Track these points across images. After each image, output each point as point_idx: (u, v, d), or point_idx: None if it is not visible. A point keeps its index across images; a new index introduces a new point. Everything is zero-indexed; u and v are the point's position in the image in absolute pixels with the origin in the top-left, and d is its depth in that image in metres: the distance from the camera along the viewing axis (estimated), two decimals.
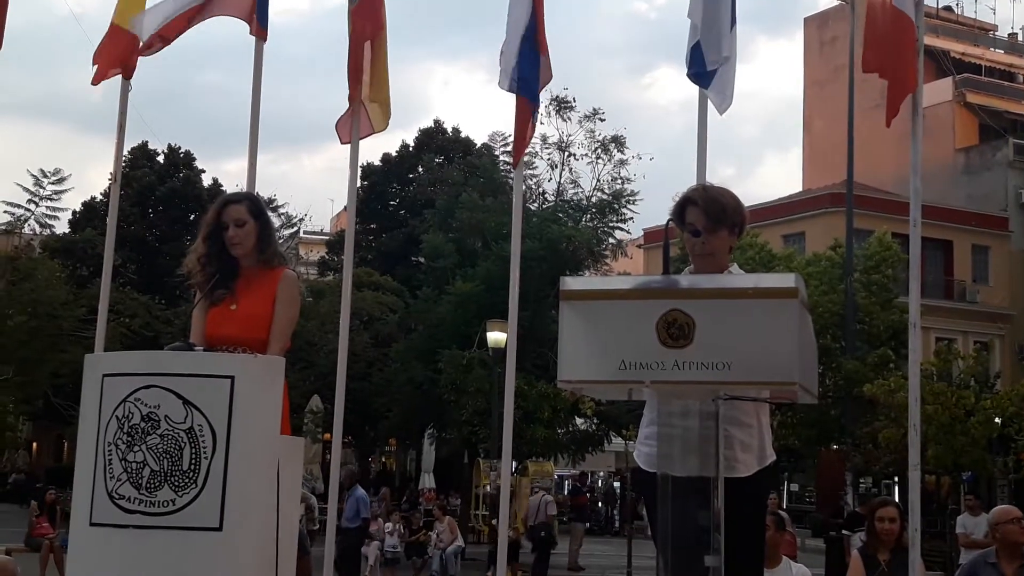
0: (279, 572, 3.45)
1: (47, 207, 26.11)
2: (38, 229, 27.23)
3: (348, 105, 6.27)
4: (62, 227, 32.75)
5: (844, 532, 16.05)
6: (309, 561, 10.08)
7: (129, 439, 3.32)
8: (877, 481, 32.09)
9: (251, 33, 6.48)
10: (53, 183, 25.55)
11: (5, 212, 26.02)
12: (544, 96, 26.06)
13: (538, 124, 26.35)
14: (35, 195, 25.51)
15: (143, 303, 24.70)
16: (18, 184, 25.95)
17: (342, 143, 6.41)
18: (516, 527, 19.63)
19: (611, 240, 27.24)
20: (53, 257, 26.70)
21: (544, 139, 26.55)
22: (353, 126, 6.31)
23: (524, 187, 23.64)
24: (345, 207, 6.79)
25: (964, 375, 23.56)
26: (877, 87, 5.31)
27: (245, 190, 6.09)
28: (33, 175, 25.58)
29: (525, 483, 24.04)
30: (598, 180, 26.62)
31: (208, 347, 3.98)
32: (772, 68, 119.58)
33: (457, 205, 25.75)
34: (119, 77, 6.41)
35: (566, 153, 26.60)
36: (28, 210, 25.66)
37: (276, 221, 34.30)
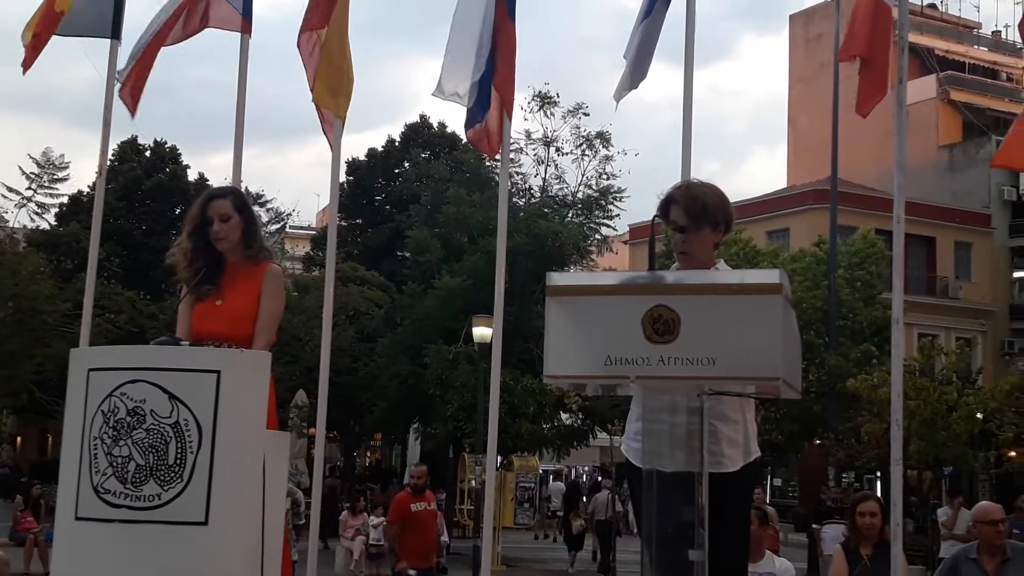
0: (264, 566, 3.46)
1: (46, 193, 26.13)
2: (32, 219, 27.22)
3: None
4: (48, 219, 32.64)
5: (814, 526, 16.20)
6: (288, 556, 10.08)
7: (115, 433, 3.31)
8: (860, 476, 32.24)
9: (236, 29, 6.51)
10: (54, 169, 25.58)
11: (3, 196, 26.07)
12: (527, 92, 25.87)
13: (523, 119, 26.37)
14: (35, 180, 25.47)
15: (128, 299, 24.59)
16: (20, 168, 26.01)
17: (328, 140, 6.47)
18: (584, 518, 20.24)
19: (597, 236, 27.26)
20: (38, 250, 26.56)
21: (528, 135, 26.56)
22: (334, 123, 6.36)
23: (510, 183, 23.65)
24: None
25: (947, 371, 23.68)
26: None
27: (230, 184, 6.09)
28: (35, 159, 25.60)
29: (510, 478, 24.08)
30: (584, 176, 26.64)
31: (194, 342, 3.98)
32: (758, 65, 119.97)
33: (443, 200, 25.72)
34: (106, 74, 6.46)
35: (551, 148, 26.61)
36: (26, 197, 25.62)
37: (264, 217, 34.27)
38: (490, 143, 6.23)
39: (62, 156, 26.22)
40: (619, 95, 6.05)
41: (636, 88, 5.99)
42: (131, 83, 6.35)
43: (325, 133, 6.45)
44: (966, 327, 37.85)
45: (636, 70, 5.94)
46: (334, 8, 6.14)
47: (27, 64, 6.49)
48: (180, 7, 6.30)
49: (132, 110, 6.39)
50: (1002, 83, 45.98)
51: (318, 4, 6.22)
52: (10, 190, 26.12)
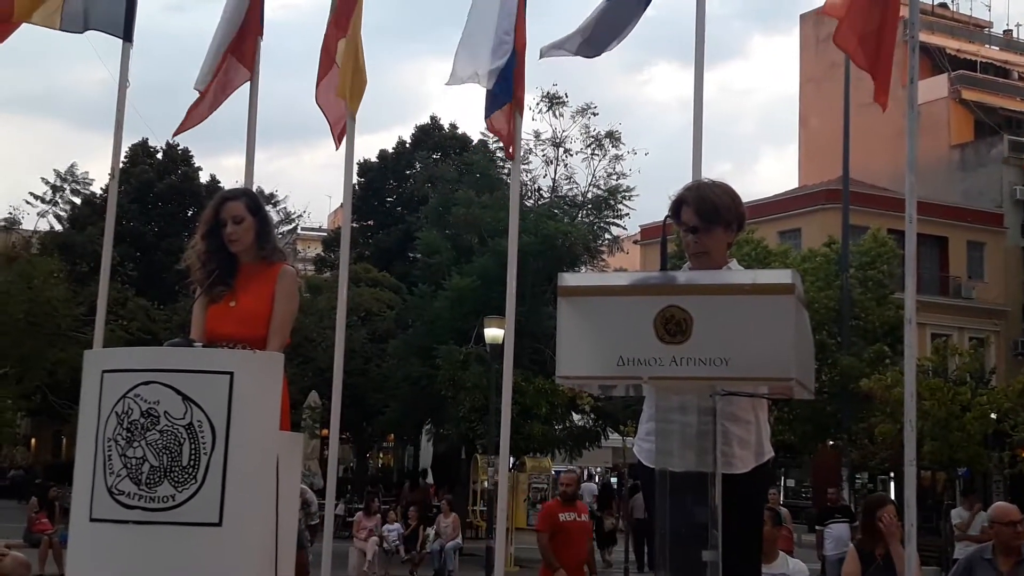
0: (278, 567, 3.46)
1: (67, 203, 26.49)
2: (56, 225, 27.51)
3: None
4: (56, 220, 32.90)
5: (817, 527, 16.19)
6: (305, 556, 10.13)
7: (129, 435, 3.33)
8: (873, 476, 32.14)
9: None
10: (78, 185, 26.01)
11: (26, 203, 26.51)
12: (535, 93, 25.79)
13: (532, 120, 26.34)
14: (58, 191, 25.83)
15: (141, 306, 24.69)
16: (44, 179, 26.42)
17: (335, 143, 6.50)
18: (617, 516, 20.12)
19: (607, 236, 27.23)
20: (52, 253, 26.73)
21: (538, 135, 26.54)
22: (347, 125, 6.38)
23: (520, 183, 23.60)
24: (342, 203, 6.85)
25: (960, 371, 23.59)
26: (872, 84, 5.33)
27: (243, 186, 6.12)
28: (59, 173, 25.99)
29: (523, 479, 24.06)
30: (593, 176, 26.61)
31: (208, 344, 3.99)
32: (769, 65, 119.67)
33: (452, 202, 25.75)
34: (119, 77, 6.50)
35: (560, 149, 26.59)
36: (45, 209, 25.96)
37: (275, 217, 34.37)
38: (503, 142, 6.29)
39: (86, 173, 26.78)
40: (547, 51, 6.18)
41: (572, 55, 6.10)
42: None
43: (333, 134, 6.48)
44: (979, 327, 37.69)
45: (586, 42, 6.03)
46: (353, 13, 6.20)
47: None
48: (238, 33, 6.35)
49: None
50: (1014, 82, 45.78)
51: (340, 10, 6.27)
52: (36, 197, 26.52)
